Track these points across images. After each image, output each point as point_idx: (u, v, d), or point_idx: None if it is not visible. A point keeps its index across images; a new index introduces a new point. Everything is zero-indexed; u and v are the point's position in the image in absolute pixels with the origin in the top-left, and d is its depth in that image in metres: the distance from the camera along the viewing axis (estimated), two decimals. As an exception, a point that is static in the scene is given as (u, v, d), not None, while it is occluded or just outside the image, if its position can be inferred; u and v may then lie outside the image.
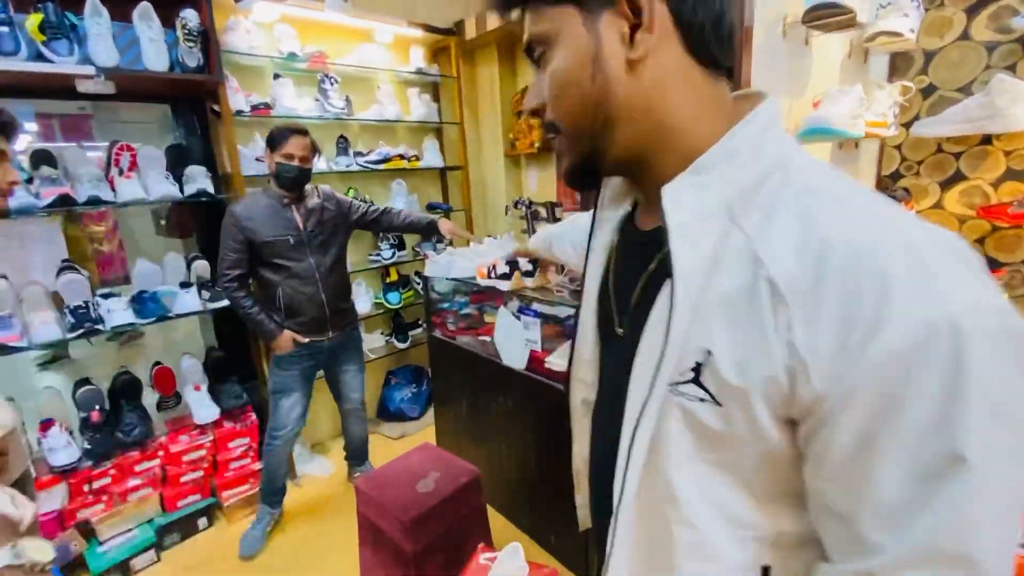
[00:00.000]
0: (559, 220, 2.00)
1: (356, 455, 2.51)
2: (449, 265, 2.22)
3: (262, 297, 2.07)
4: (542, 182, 3.21)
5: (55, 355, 2.24)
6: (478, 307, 2.48)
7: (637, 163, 0.53)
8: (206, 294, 2.25)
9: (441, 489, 1.65)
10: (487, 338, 2.12)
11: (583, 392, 0.73)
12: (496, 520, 2.08)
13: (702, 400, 0.46)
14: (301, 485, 2.53)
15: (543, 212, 2.03)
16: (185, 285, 2.21)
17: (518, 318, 1.90)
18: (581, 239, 0.94)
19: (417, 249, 3.06)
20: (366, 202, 2.44)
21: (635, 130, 0.50)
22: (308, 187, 2.08)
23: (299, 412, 2.15)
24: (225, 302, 2.25)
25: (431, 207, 3.12)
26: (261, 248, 1.96)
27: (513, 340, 1.93)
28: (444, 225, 2.27)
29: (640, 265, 0.56)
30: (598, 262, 0.66)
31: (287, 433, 2.14)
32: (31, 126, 3.02)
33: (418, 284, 3.08)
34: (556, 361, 1.77)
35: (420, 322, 3.18)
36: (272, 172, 1.96)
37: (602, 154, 0.52)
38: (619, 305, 0.60)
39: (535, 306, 1.97)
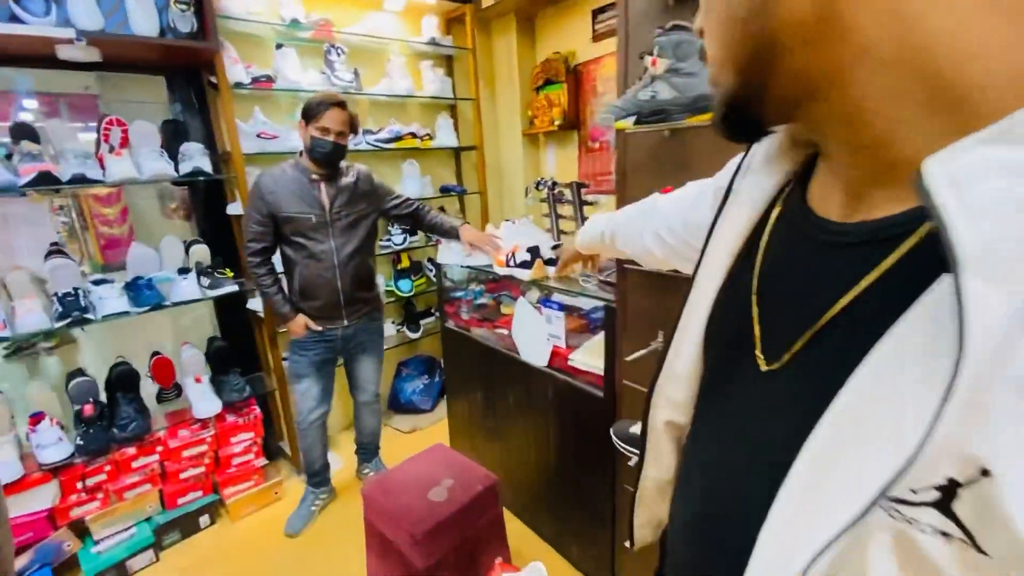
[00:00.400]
0: (586, 203, 1.82)
1: (367, 449, 2.40)
2: (463, 252, 2.05)
3: (283, 274, 2.00)
4: (562, 162, 3.01)
5: (59, 340, 2.12)
6: (494, 296, 2.32)
7: (828, 109, 0.33)
8: (205, 281, 2.11)
9: (455, 499, 1.50)
10: (504, 331, 1.96)
11: (669, 412, 0.57)
12: (513, 524, 1.94)
13: (945, 535, 0.26)
14: (307, 481, 2.41)
15: (567, 193, 1.83)
16: (183, 271, 2.08)
17: (539, 310, 1.73)
18: (669, 224, 0.75)
19: (430, 235, 2.89)
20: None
21: (817, 58, 0.31)
22: (343, 164, 1.95)
23: (316, 396, 2.08)
24: (227, 289, 2.12)
25: (445, 190, 2.94)
26: (283, 223, 1.86)
27: (533, 334, 1.76)
28: (466, 233, 2.06)
29: (832, 276, 0.36)
30: (727, 250, 0.48)
31: (306, 417, 2.09)
32: (31, 103, 2.89)
33: (431, 271, 2.92)
34: (581, 359, 1.60)
35: (433, 311, 3.02)
36: (306, 146, 1.83)
37: (761, 91, 0.35)
38: (772, 323, 0.42)
39: (557, 297, 1.80)
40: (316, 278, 1.93)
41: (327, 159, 1.84)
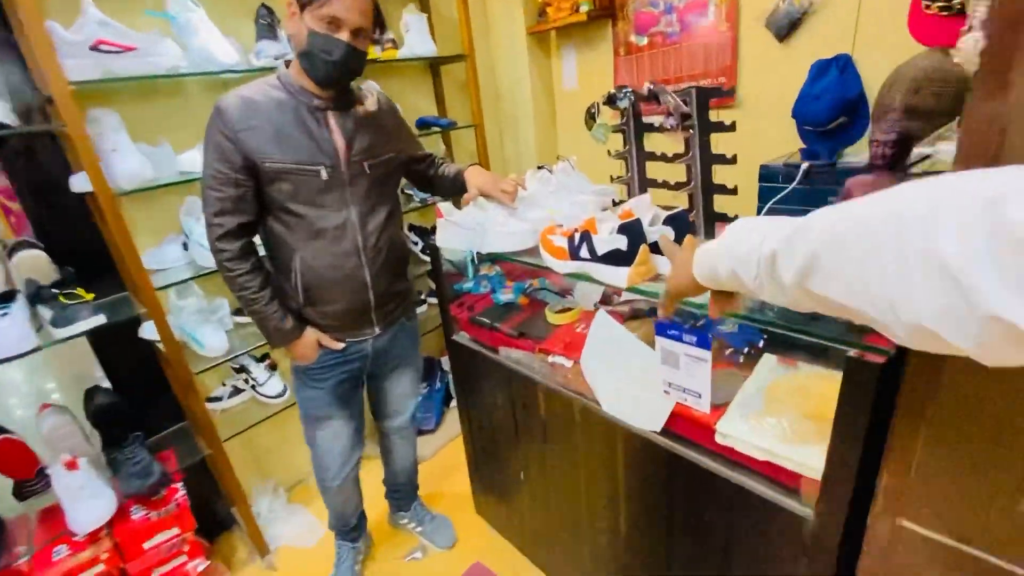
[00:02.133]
0: (720, 126, 0.98)
1: (402, 493, 1.75)
2: (479, 230, 1.23)
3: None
4: (586, 73, 2.12)
5: None
6: (525, 291, 1.52)
7: None
8: (47, 313, 1.25)
9: None
10: (562, 360, 1.19)
11: None
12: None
13: None
14: (276, 568, 1.70)
15: (683, 107, 0.99)
16: (5, 299, 1.21)
17: (658, 337, 0.96)
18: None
19: (409, 192, 2.02)
20: None
21: None
22: (358, 86, 1.23)
23: (346, 442, 1.43)
24: (86, 324, 1.26)
25: (423, 124, 2.04)
26: (269, 182, 1.11)
27: (627, 374, 1.00)
28: (474, 178, 1.32)
29: None
30: None
31: (339, 472, 1.44)
32: None
33: (416, 244, 2.08)
34: (748, 439, 0.85)
35: (423, 297, 2.22)
36: (299, 47, 1.07)
37: None
38: None
39: (659, 312, 1.02)
40: (330, 270, 1.20)
41: (337, 73, 1.08)
